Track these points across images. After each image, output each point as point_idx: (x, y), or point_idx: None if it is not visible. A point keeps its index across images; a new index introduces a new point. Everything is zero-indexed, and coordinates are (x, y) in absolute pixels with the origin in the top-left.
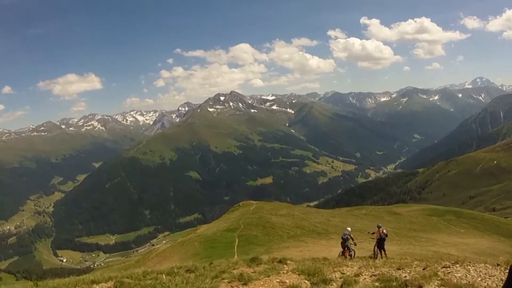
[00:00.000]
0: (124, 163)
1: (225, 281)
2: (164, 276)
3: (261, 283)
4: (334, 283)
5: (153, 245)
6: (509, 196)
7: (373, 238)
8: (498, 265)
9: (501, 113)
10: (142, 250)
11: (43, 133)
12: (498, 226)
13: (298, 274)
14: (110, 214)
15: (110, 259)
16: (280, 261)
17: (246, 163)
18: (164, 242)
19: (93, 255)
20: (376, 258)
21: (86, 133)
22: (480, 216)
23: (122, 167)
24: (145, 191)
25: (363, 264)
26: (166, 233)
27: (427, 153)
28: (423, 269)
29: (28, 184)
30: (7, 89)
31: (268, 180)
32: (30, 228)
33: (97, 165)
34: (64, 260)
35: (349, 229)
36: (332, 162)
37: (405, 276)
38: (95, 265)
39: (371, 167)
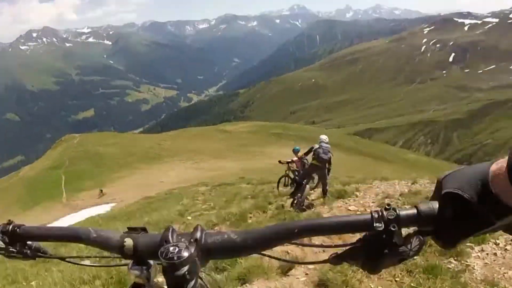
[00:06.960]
0: None
1: None
2: None
3: None
4: None
5: None
6: (327, 110)
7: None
8: None
9: (317, 37)
10: None
11: None
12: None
13: None
14: None
15: None
16: None
17: (65, 99)
18: None
19: None
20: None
21: None
22: (304, 128)
23: None
24: None
25: None
26: None
27: (247, 76)
28: None
29: None
30: None
31: (90, 112)
32: None
33: None
34: None
35: (324, 137)
36: (154, 89)
37: None
38: None
39: (193, 91)
